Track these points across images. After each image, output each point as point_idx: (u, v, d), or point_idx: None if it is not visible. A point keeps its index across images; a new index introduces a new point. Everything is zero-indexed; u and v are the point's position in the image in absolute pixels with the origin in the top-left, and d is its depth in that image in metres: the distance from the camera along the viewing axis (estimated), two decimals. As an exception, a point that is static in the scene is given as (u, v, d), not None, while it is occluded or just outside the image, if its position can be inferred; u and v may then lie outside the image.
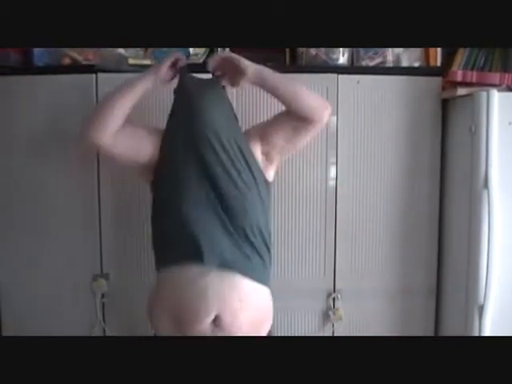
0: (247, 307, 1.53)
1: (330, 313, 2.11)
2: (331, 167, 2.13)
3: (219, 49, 1.99)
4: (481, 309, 1.91)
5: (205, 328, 1.50)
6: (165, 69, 1.68)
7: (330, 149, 2.12)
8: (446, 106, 2.15)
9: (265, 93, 1.76)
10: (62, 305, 2.11)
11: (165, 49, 1.97)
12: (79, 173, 2.07)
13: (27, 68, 2.05)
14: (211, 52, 2.07)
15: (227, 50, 1.92)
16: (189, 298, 1.50)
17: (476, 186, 1.92)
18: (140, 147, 1.66)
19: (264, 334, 1.63)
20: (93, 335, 2.10)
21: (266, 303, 1.63)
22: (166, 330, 1.55)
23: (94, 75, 2.02)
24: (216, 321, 1.50)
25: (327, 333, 2.17)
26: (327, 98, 2.08)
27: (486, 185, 1.90)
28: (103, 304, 2.10)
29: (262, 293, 1.61)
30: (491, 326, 1.92)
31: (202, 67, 1.94)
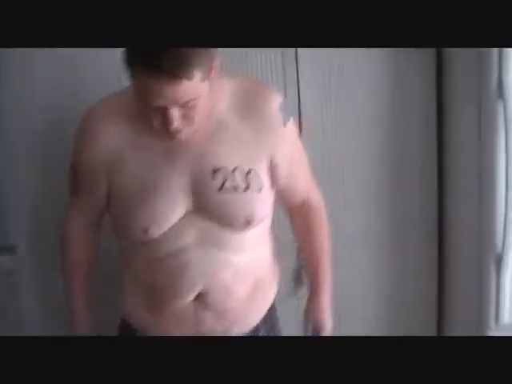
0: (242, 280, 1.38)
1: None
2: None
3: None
4: (499, 258, 1.64)
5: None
6: None
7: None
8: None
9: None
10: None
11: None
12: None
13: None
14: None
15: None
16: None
17: (487, 94, 1.59)
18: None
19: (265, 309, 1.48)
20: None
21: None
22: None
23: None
24: (200, 298, 1.33)
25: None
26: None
27: (500, 94, 1.56)
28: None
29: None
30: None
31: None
